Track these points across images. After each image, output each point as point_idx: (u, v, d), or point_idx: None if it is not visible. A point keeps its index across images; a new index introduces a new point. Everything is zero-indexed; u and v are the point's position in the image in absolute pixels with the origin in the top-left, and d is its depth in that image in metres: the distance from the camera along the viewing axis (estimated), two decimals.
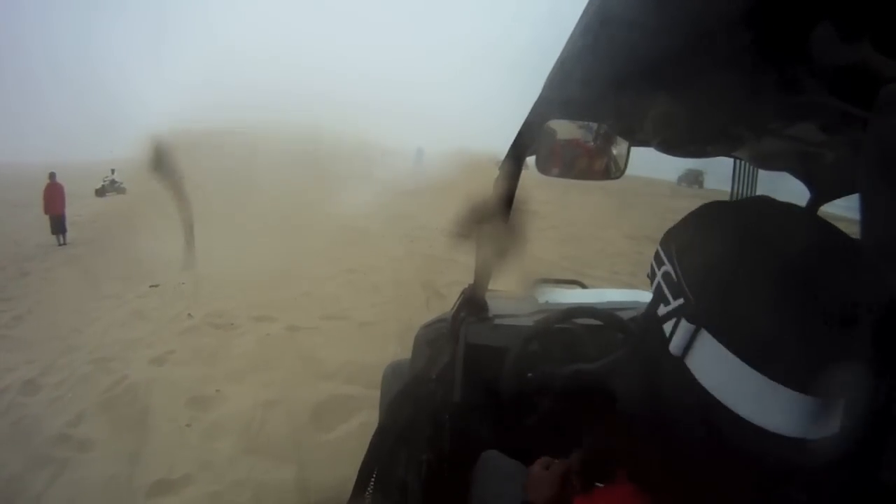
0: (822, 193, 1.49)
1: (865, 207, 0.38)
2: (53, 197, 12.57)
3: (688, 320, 0.53)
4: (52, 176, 13.18)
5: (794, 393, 0.46)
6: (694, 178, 26.68)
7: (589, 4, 0.74)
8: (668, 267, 0.58)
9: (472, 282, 1.69)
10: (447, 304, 2.11)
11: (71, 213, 13.20)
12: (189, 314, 5.66)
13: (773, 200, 0.57)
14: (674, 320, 0.54)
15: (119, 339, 5.17)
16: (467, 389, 1.55)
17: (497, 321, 1.68)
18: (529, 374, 1.41)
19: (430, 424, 1.59)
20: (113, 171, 23.43)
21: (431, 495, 1.50)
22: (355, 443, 2.71)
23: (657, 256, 0.60)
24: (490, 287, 1.71)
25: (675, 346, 0.54)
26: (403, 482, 1.57)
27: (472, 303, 1.70)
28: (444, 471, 1.50)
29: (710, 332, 0.51)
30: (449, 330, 1.71)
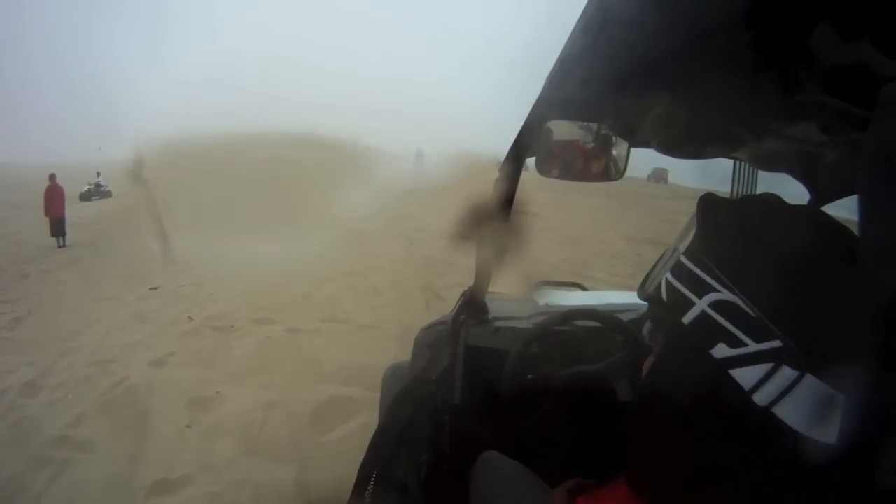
0: (821, 194, 1.49)
1: (865, 208, 0.37)
2: (53, 199, 12.57)
3: (792, 366, 0.47)
4: (52, 177, 13.18)
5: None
6: (659, 176, 29.28)
7: (588, 4, 0.74)
8: (725, 296, 0.50)
9: (471, 284, 1.69)
10: (447, 306, 2.11)
11: (71, 214, 13.20)
12: (189, 316, 5.67)
13: (778, 199, 0.55)
14: (759, 366, 0.48)
15: (119, 341, 5.17)
16: (467, 391, 1.55)
17: (497, 323, 1.68)
18: (529, 376, 1.40)
19: (429, 425, 1.59)
20: (98, 174, 23.26)
21: (431, 496, 1.50)
22: (355, 444, 2.71)
23: (689, 276, 0.53)
24: (490, 289, 1.70)
25: (764, 397, 0.47)
26: (403, 483, 1.57)
27: (472, 305, 1.70)
28: (444, 471, 1.50)
29: (817, 375, 0.46)
30: (449, 332, 1.70)
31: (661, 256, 0.62)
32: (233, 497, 2.72)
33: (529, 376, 1.40)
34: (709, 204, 0.57)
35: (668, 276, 0.56)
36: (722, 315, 0.50)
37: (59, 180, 13.14)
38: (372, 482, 1.51)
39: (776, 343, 0.47)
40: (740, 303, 0.49)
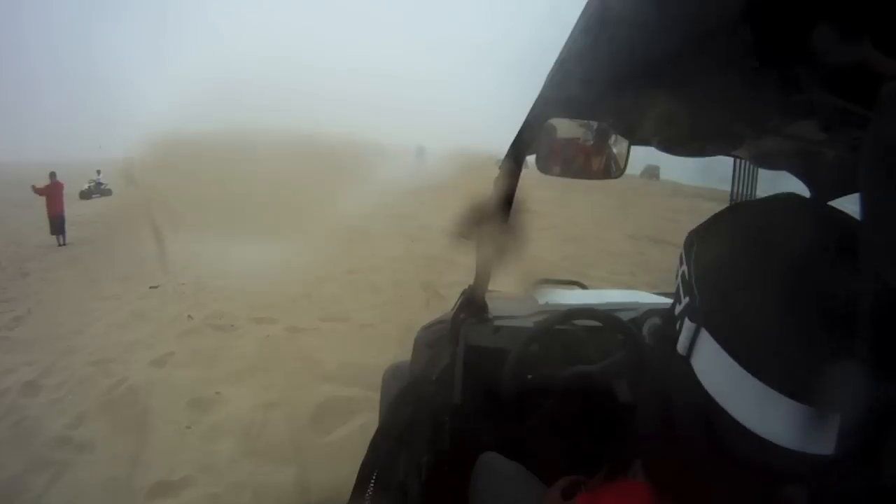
0: (822, 193, 1.49)
1: (866, 207, 0.37)
2: (53, 197, 12.58)
3: (689, 318, 0.52)
4: (52, 176, 13.19)
5: (793, 402, 0.44)
6: (651, 173, 29.78)
7: (588, 4, 0.74)
8: (684, 267, 0.56)
9: (472, 282, 1.69)
10: (447, 304, 2.11)
11: (71, 213, 13.20)
12: (189, 315, 5.67)
13: (800, 199, 0.55)
14: (682, 319, 0.53)
15: (119, 340, 5.17)
16: (467, 391, 1.55)
17: (497, 322, 1.68)
18: (529, 376, 1.40)
19: (429, 426, 1.59)
20: (98, 172, 23.22)
21: (431, 496, 1.50)
22: (355, 444, 2.71)
23: (680, 257, 0.58)
24: (490, 288, 1.70)
25: (681, 345, 0.53)
26: (403, 483, 1.57)
27: (472, 304, 1.70)
28: (444, 472, 1.50)
29: (709, 331, 0.50)
30: (449, 331, 1.70)
31: None
32: (233, 499, 2.72)
33: (529, 376, 1.40)
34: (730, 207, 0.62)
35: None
36: (680, 280, 0.56)
37: (59, 179, 13.15)
38: (372, 483, 1.51)
39: (689, 299, 0.53)
40: (686, 271, 0.55)
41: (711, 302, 0.51)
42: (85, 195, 21.40)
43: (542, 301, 1.94)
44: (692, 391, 0.50)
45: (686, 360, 0.52)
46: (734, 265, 0.51)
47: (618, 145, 1.42)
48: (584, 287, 2.37)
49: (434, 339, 1.83)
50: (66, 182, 13.51)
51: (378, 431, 1.65)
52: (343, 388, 3.74)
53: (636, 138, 1.33)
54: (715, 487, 0.51)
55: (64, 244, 12.08)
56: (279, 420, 3.42)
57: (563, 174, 1.46)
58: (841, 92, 0.52)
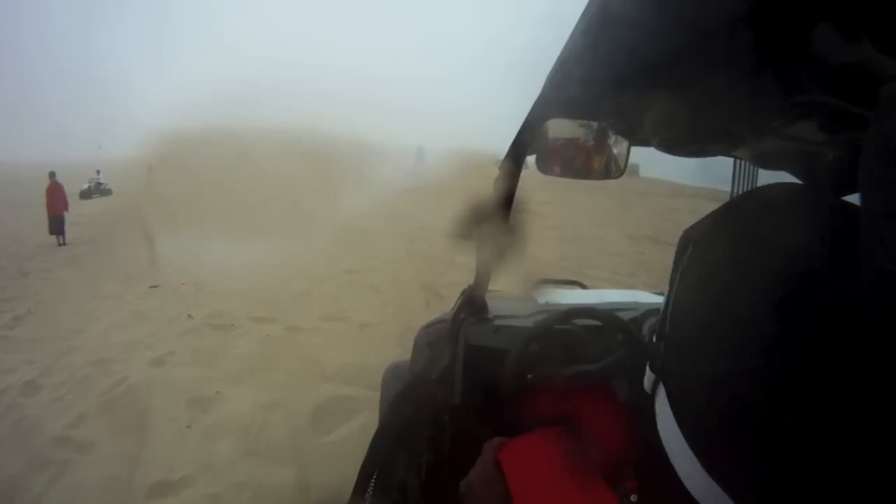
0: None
1: (866, 207, 0.37)
2: (54, 197, 12.57)
3: (650, 368, 0.46)
4: (52, 175, 13.18)
5: None
6: (632, 170, 29.66)
7: (589, 4, 0.74)
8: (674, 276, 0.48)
9: (472, 282, 1.69)
10: (447, 304, 2.11)
11: (70, 212, 13.19)
12: (189, 315, 5.68)
13: (802, 201, 0.44)
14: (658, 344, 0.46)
15: (119, 339, 5.17)
16: (467, 390, 1.55)
17: (497, 322, 1.68)
18: (529, 375, 1.40)
19: (429, 425, 1.59)
20: (98, 171, 23.18)
21: (431, 496, 1.50)
22: (355, 444, 2.72)
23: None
24: (490, 287, 1.70)
25: (647, 381, 0.47)
26: (403, 483, 1.57)
27: (472, 303, 1.70)
28: (444, 471, 1.50)
29: (665, 390, 0.43)
30: (449, 331, 1.70)
31: None
32: (233, 498, 2.73)
33: (529, 375, 1.40)
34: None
35: None
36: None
37: (58, 178, 13.15)
38: (372, 483, 1.51)
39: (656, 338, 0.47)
40: (670, 288, 0.50)
41: (675, 355, 0.43)
42: (85, 195, 21.37)
43: (542, 301, 1.94)
44: (651, 434, 0.44)
45: (651, 397, 0.46)
46: (699, 304, 0.41)
47: (617, 146, 1.42)
48: (584, 287, 2.37)
49: (434, 339, 1.83)
50: (65, 182, 13.49)
51: (378, 431, 1.65)
52: (343, 388, 3.75)
53: (636, 139, 1.33)
54: None
55: (64, 244, 12.07)
56: (279, 419, 3.42)
57: (562, 174, 1.46)
58: (841, 92, 0.52)
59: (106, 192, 22.20)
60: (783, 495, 0.33)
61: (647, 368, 0.47)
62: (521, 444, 0.63)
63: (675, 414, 0.41)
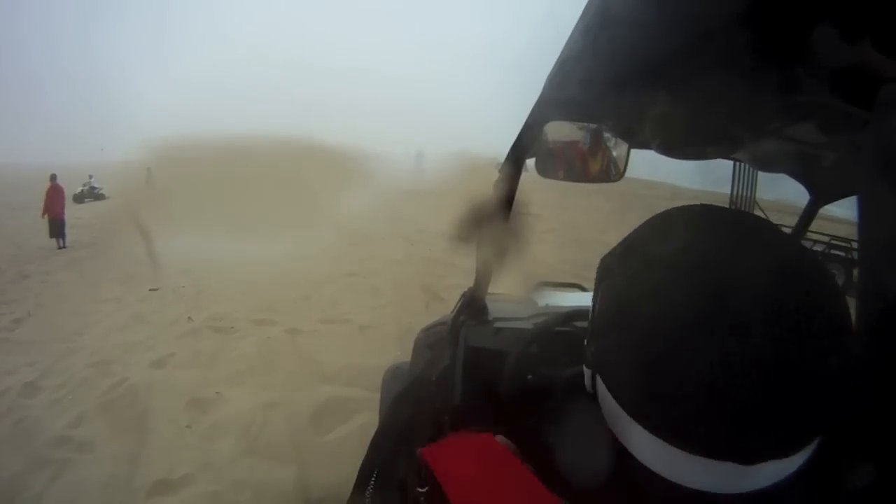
0: (821, 194, 1.49)
1: (865, 208, 0.37)
2: (53, 200, 12.56)
3: (585, 365, 0.51)
4: (52, 178, 13.16)
5: (691, 455, 0.41)
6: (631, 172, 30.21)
7: (588, 5, 0.74)
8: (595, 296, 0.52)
9: (471, 285, 1.69)
10: (447, 307, 2.11)
11: (70, 215, 13.18)
12: (189, 317, 5.67)
13: (713, 211, 0.48)
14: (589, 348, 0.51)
15: (119, 341, 5.17)
16: (467, 392, 1.54)
17: (497, 324, 1.67)
18: (529, 377, 1.40)
19: (429, 426, 1.59)
20: (91, 176, 23.02)
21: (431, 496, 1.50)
22: (355, 443, 2.72)
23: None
24: (490, 290, 1.70)
25: (587, 382, 0.52)
26: (403, 483, 1.56)
27: (472, 306, 1.70)
28: None
29: (601, 377, 0.48)
30: (449, 333, 1.70)
31: None
32: (233, 497, 2.72)
33: (529, 377, 1.40)
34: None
35: None
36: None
37: (57, 181, 13.14)
38: (372, 482, 1.51)
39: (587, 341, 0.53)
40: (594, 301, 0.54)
41: (603, 345, 0.48)
42: (78, 199, 21.13)
43: (542, 303, 1.93)
44: (601, 432, 0.48)
45: (594, 398, 0.50)
46: (620, 300, 0.47)
47: (617, 148, 1.42)
48: (584, 289, 2.37)
49: (434, 341, 1.83)
50: (64, 185, 13.49)
51: (378, 431, 1.65)
52: (343, 389, 3.74)
53: (636, 141, 1.34)
54: None
55: (64, 247, 12.05)
56: (279, 420, 3.42)
57: (562, 177, 1.46)
58: (840, 94, 0.52)
59: (99, 197, 21.99)
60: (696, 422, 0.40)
61: (584, 368, 0.52)
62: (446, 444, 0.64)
63: (611, 392, 0.46)
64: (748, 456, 0.39)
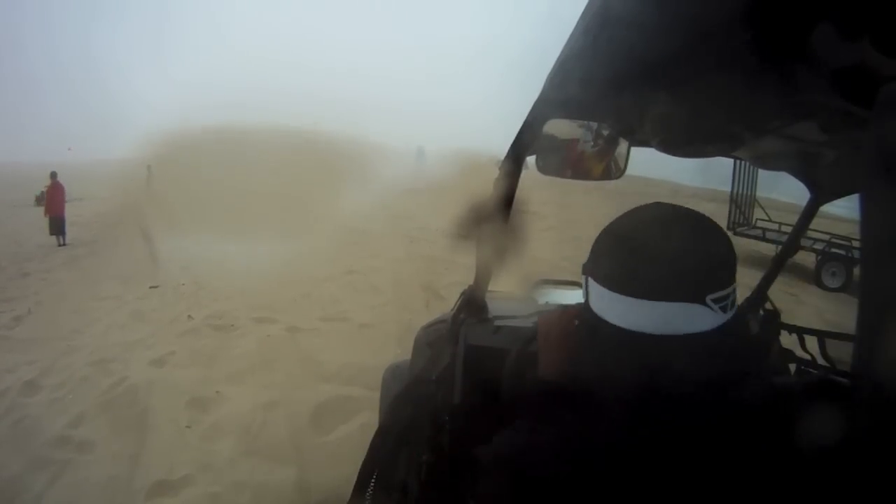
0: (822, 193, 1.49)
1: (866, 207, 0.37)
2: (54, 198, 12.57)
3: (582, 272, 0.71)
4: (53, 176, 13.17)
5: (640, 300, 0.60)
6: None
7: (589, 4, 0.74)
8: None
9: (471, 283, 1.69)
10: (447, 304, 2.10)
11: (70, 213, 13.19)
12: (189, 315, 5.67)
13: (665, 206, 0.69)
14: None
15: (119, 340, 5.17)
16: (467, 390, 1.55)
17: (497, 322, 1.67)
18: (529, 376, 1.40)
19: (429, 425, 1.59)
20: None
21: (431, 496, 1.50)
22: (355, 444, 2.71)
23: None
24: (490, 288, 1.70)
25: (583, 295, 0.71)
26: (403, 483, 1.56)
27: (472, 304, 1.70)
28: (444, 471, 1.50)
29: (592, 278, 0.67)
30: (449, 331, 1.70)
31: None
32: (233, 498, 2.73)
33: (529, 375, 1.40)
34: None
35: None
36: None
37: (58, 180, 13.14)
38: (372, 483, 1.51)
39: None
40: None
41: (590, 262, 0.70)
42: (39, 200, 20.23)
43: (542, 301, 1.94)
44: (592, 318, 0.67)
45: (587, 304, 0.69)
46: (603, 240, 0.69)
47: (617, 146, 1.42)
48: None
49: (434, 339, 1.83)
50: (67, 183, 13.49)
51: (378, 431, 1.65)
52: (343, 388, 3.74)
53: (636, 139, 1.34)
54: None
55: (64, 244, 12.06)
56: (279, 419, 3.42)
57: (562, 175, 1.46)
58: (840, 93, 0.52)
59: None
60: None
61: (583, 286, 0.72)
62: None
63: (591, 276, 0.68)
64: (660, 293, 0.59)
